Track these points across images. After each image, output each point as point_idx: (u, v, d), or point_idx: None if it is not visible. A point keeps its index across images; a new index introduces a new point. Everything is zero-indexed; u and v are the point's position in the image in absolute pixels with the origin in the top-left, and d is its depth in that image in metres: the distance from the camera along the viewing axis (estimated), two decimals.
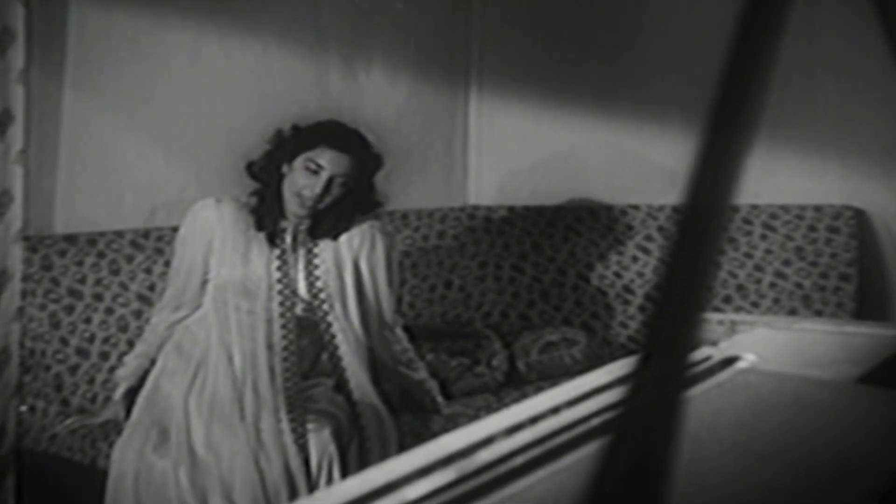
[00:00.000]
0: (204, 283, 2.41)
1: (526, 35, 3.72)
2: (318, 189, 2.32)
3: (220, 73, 3.03)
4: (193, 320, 2.42)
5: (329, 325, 2.41)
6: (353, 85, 3.37)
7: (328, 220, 2.42)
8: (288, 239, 2.40)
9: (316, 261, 2.42)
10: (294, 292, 2.40)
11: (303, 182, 2.33)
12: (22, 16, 2.49)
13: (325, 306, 2.41)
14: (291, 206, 2.36)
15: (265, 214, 2.39)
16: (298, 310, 2.40)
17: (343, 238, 2.44)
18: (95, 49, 2.73)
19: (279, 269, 2.38)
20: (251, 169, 2.42)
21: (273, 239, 2.39)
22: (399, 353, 2.56)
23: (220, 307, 2.37)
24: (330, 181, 2.33)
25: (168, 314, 2.44)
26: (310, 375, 2.44)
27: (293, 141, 2.38)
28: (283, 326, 2.37)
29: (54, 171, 2.67)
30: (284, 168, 2.38)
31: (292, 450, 2.22)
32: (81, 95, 2.70)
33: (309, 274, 2.41)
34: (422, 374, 2.60)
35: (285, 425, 2.25)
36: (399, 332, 2.58)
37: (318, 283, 2.41)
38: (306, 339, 2.43)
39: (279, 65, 3.18)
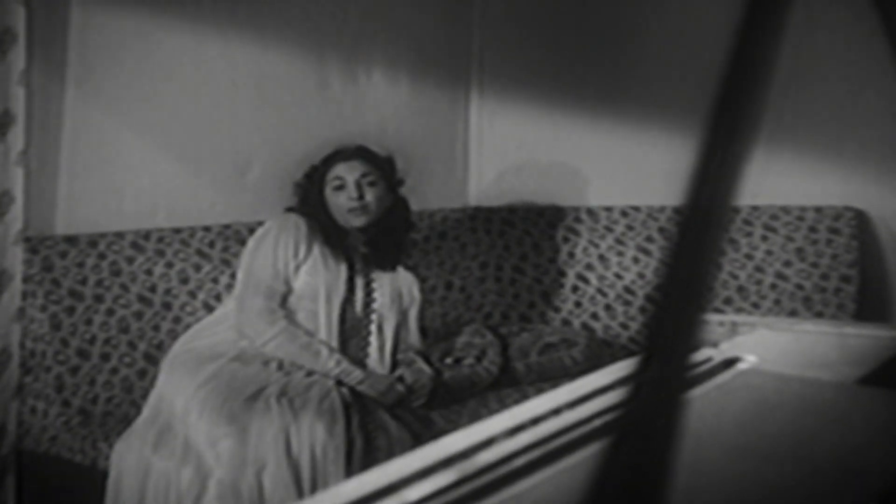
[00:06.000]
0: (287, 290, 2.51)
1: (526, 37, 3.72)
2: (354, 194, 2.52)
3: (222, 75, 3.03)
4: (214, 319, 2.50)
5: (368, 343, 2.57)
6: (353, 87, 3.37)
7: (386, 250, 2.63)
8: (356, 255, 2.59)
9: (374, 290, 2.60)
10: (354, 305, 2.56)
11: (340, 200, 2.53)
12: (23, 16, 2.49)
13: (373, 326, 2.58)
14: (349, 221, 2.54)
15: (329, 234, 2.55)
16: (351, 318, 2.56)
17: (401, 280, 2.65)
18: (97, 50, 2.73)
19: (350, 278, 2.56)
20: (303, 209, 2.58)
21: (347, 253, 2.58)
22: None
23: (293, 312, 2.47)
24: (358, 186, 2.53)
25: (270, 309, 2.48)
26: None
27: (311, 181, 2.59)
28: (329, 333, 2.50)
29: (55, 172, 2.67)
30: (325, 201, 2.56)
31: (293, 451, 2.22)
32: (82, 96, 2.70)
33: (368, 302, 2.59)
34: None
35: (291, 426, 2.25)
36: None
37: (375, 314, 2.59)
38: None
39: (280, 66, 3.18)
